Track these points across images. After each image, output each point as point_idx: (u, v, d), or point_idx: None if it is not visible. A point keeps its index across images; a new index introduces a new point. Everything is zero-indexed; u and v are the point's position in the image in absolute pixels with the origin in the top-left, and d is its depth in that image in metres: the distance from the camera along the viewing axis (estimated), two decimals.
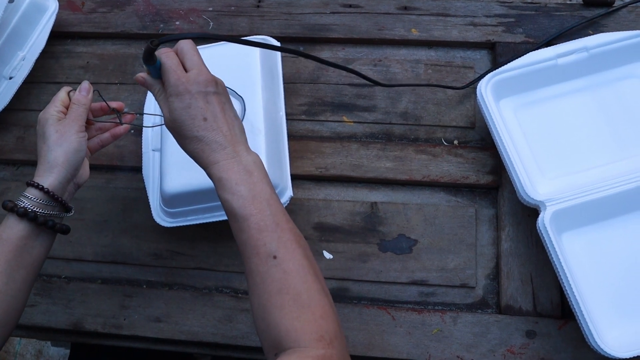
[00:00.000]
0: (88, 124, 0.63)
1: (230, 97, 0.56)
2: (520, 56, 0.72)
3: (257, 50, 0.73)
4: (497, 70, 0.72)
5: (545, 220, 0.64)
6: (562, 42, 0.73)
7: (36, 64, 0.84)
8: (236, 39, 0.55)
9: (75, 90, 0.62)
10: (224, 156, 0.51)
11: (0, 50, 0.83)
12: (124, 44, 0.89)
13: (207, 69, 0.53)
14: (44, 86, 0.87)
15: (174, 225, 0.71)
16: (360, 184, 0.76)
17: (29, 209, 0.56)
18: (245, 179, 0.50)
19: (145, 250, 0.75)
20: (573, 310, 0.61)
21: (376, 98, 0.80)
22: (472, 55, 0.81)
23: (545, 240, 0.64)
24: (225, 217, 0.66)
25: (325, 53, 0.83)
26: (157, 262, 0.75)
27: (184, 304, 0.72)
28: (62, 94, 0.62)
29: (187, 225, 0.71)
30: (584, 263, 0.66)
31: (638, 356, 0.59)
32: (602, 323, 0.63)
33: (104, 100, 0.65)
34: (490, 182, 0.73)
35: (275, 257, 0.48)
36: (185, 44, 0.54)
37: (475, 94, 0.72)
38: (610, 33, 0.72)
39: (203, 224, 0.71)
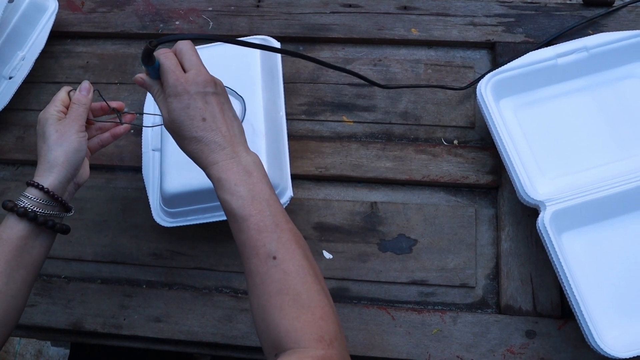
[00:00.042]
0: (88, 123, 0.63)
1: (231, 97, 0.56)
2: (520, 56, 0.72)
3: (257, 50, 0.73)
4: (497, 70, 0.72)
5: (545, 220, 0.64)
6: (562, 42, 0.73)
7: (36, 63, 0.84)
8: (233, 40, 0.55)
9: (76, 89, 0.62)
10: (223, 157, 0.51)
11: (0, 50, 0.82)
12: (123, 43, 0.89)
13: (206, 70, 0.53)
14: (43, 86, 0.87)
15: (174, 225, 0.71)
16: (360, 184, 0.76)
17: (29, 208, 0.56)
18: (244, 180, 0.50)
19: (145, 250, 0.75)
20: (573, 310, 0.61)
21: (376, 98, 0.80)
22: (472, 55, 0.81)
23: (545, 240, 0.64)
24: (225, 217, 0.66)
25: (325, 53, 0.83)
26: (157, 262, 0.75)
27: (184, 304, 0.72)
28: (63, 93, 0.61)
29: (187, 225, 0.71)
30: (584, 263, 0.66)
31: (638, 356, 0.59)
32: (601, 323, 0.63)
33: (104, 100, 0.65)
34: (490, 182, 0.73)
35: (274, 258, 0.48)
36: (183, 45, 0.54)
37: (475, 94, 0.72)
38: (610, 33, 0.72)
39: (203, 224, 0.71)
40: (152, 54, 0.51)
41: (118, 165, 0.80)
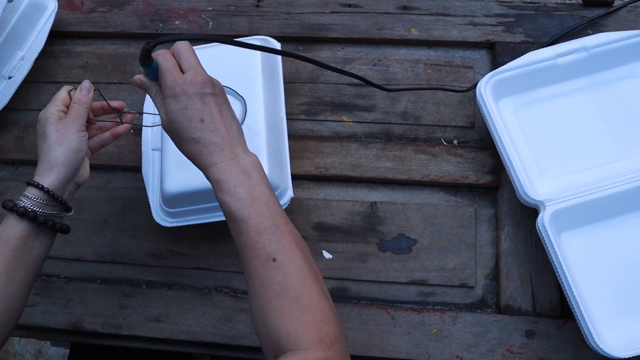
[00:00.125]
0: (88, 123, 0.63)
1: (232, 98, 0.55)
2: (519, 56, 0.72)
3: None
4: (496, 70, 0.72)
5: (544, 220, 0.64)
6: (562, 42, 0.73)
7: (35, 63, 0.84)
8: (230, 41, 0.54)
9: (76, 89, 0.62)
10: (221, 158, 0.51)
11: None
12: (123, 43, 0.89)
13: (204, 70, 0.53)
14: (43, 86, 0.87)
15: (174, 225, 0.71)
16: (359, 184, 0.76)
17: (29, 208, 0.56)
18: (243, 181, 0.50)
19: (145, 250, 0.75)
20: (572, 310, 0.61)
21: (376, 98, 0.79)
22: (471, 55, 0.81)
23: (544, 240, 0.64)
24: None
25: (325, 53, 0.83)
26: (156, 262, 0.75)
27: (184, 304, 0.72)
28: (63, 93, 0.61)
29: (186, 225, 0.71)
30: (583, 263, 0.66)
31: (637, 356, 0.59)
32: (601, 323, 0.63)
33: (105, 100, 0.65)
34: (490, 182, 0.73)
35: (274, 260, 0.48)
36: (181, 45, 0.54)
37: (475, 94, 0.72)
38: (610, 33, 0.72)
39: (203, 224, 0.71)
40: (150, 55, 0.51)
41: (118, 165, 0.80)
